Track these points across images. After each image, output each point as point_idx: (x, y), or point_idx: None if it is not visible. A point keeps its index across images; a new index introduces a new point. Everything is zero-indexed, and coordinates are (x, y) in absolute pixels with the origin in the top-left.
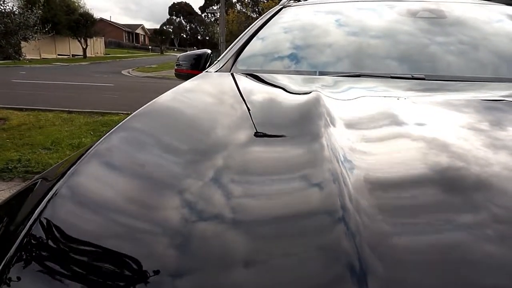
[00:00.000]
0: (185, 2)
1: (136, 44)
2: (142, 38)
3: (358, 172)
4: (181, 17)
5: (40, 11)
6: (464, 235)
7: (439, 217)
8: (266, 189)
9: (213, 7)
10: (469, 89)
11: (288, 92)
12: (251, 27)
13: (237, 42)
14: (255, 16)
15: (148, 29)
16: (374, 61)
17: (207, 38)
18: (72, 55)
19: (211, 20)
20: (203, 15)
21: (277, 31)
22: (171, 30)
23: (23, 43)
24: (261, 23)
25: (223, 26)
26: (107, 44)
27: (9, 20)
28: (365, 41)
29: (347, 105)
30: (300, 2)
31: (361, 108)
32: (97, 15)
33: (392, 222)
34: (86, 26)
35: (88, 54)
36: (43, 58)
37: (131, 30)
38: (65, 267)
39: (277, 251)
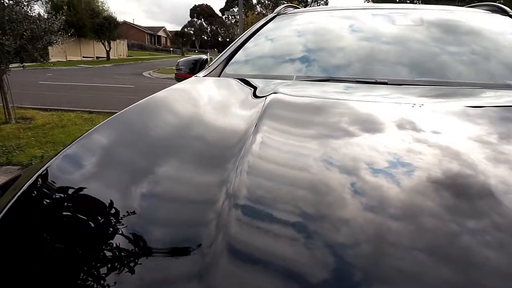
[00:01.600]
0: (206, 4)
1: (158, 46)
2: (164, 40)
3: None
4: (202, 19)
5: (63, 17)
6: (463, 240)
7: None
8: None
9: (234, 9)
10: (430, 93)
11: (253, 96)
12: (245, 33)
13: (230, 47)
14: None
15: (169, 31)
16: (346, 67)
17: (228, 39)
18: (96, 57)
19: (231, 22)
20: (223, 17)
21: (267, 38)
22: (192, 32)
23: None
24: (255, 30)
25: (242, 28)
26: (130, 46)
27: (35, 26)
28: (342, 49)
29: (296, 104)
30: (294, 10)
31: (304, 108)
32: (120, 18)
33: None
34: (109, 29)
35: (111, 56)
36: (68, 60)
37: (153, 33)
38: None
39: None
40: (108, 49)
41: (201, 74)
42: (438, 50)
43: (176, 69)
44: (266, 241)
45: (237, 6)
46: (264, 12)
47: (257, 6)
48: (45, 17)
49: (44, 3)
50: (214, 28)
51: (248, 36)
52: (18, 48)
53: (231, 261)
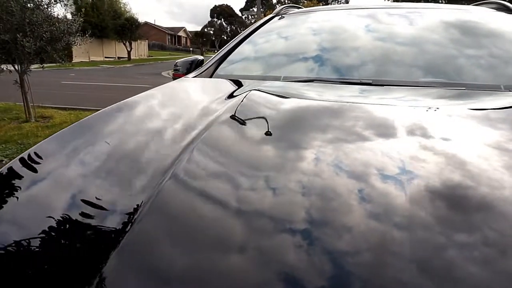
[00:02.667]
0: (226, 4)
1: (178, 46)
2: (184, 40)
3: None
4: (222, 19)
5: (81, 19)
6: (452, 253)
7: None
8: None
9: (254, 9)
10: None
11: (228, 97)
12: (241, 34)
13: (224, 48)
14: None
15: (190, 32)
16: (333, 69)
17: None
18: (118, 57)
19: (251, 22)
20: (243, 16)
21: (261, 39)
22: (212, 32)
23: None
24: (251, 30)
25: None
26: (151, 47)
27: (54, 28)
28: (332, 50)
29: (265, 103)
30: (295, 10)
31: (271, 107)
32: (142, 19)
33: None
34: (131, 30)
35: (132, 57)
36: (91, 60)
37: (173, 33)
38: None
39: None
40: (129, 50)
41: (191, 74)
42: (431, 49)
43: (174, 70)
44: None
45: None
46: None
47: (277, 5)
48: (66, 18)
49: (69, 5)
50: (234, 28)
51: (244, 37)
52: (38, 49)
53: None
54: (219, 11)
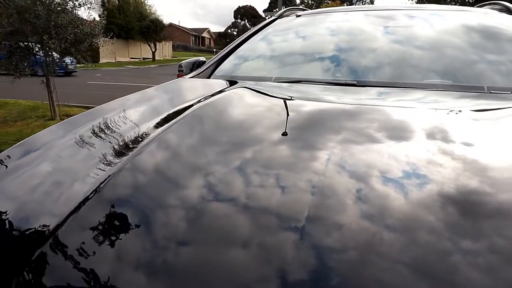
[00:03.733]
0: (250, 5)
1: (201, 47)
2: (208, 41)
3: None
4: (246, 20)
5: (104, 21)
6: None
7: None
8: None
9: (277, 9)
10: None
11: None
12: (242, 36)
13: (224, 49)
14: None
15: (213, 33)
16: (319, 70)
17: None
18: (143, 58)
19: None
20: (266, 17)
21: (260, 41)
22: (236, 33)
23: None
24: (252, 32)
25: None
26: (175, 48)
27: (78, 30)
28: (323, 52)
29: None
30: (298, 13)
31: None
32: (167, 20)
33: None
34: (155, 31)
35: (157, 57)
36: (117, 61)
37: (197, 34)
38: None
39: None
40: (153, 50)
41: (190, 75)
42: (419, 51)
43: (178, 70)
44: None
45: (284, 7)
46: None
47: (300, 6)
48: (93, 20)
49: (96, 8)
50: None
51: (244, 39)
52: (63, 50)
53: None
54: (243, 12)
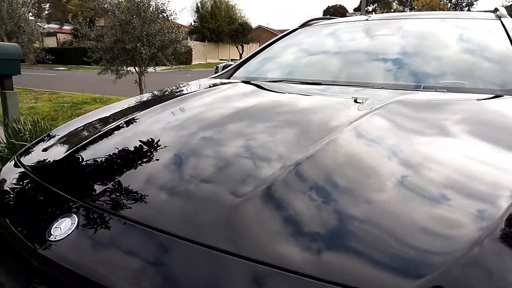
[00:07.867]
0: (340, 4)
1: None
2: None
3: None
4: None
5: (187, 29)
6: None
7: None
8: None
9: (368, 7)
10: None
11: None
12: (267, 42)
13: (249, 55)
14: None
15: None
16: (302, 72)
17: None
18: (231, 59)
19: None
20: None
21: (277, 47)
22: None
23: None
24: (275, 39)
25: None
26: None
27: (165, 38)
28: (333, 57)
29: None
30: (320, 22)
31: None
32: (256, 22)
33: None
34: (243, 34)
35: None
36: (208, 62)
37: None
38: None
39: None
40: (241, 52)
41: (214, 76)
42: (392, 53)
43: (214, 72)
44: None
45: (373, 5)
46: (401, 8)
47: (393, 3)
48: (187, 25)
49: (193, 14)
50: None
51: (268, 44)
52: (152, 55)
53: None
54: (332, 12)
